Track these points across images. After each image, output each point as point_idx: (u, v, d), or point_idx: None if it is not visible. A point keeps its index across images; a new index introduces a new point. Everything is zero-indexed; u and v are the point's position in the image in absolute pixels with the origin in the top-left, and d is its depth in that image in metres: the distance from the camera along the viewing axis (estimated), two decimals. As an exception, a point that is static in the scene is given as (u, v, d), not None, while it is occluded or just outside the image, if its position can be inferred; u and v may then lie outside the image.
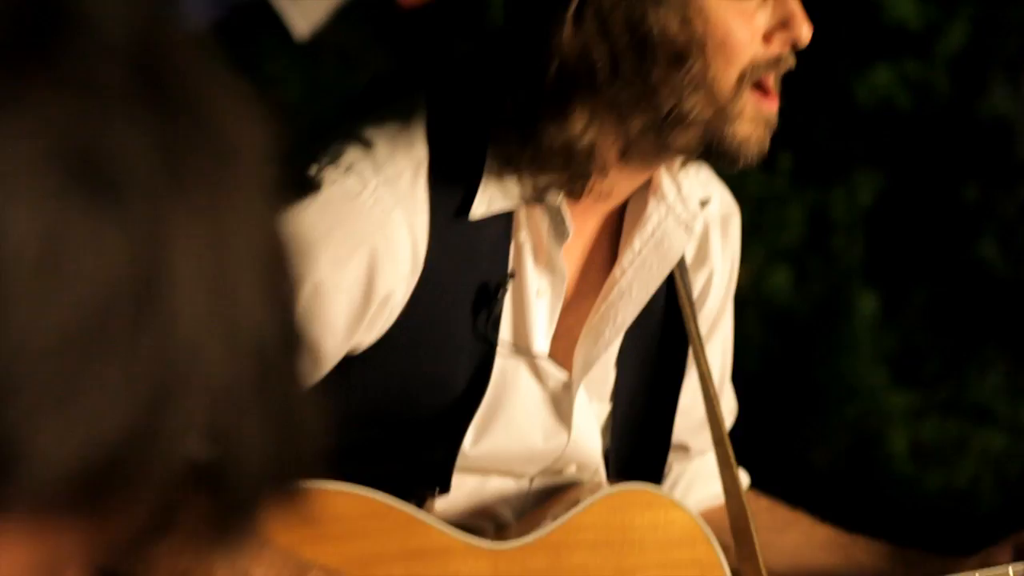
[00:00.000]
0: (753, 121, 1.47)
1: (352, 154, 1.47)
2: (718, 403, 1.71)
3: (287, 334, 0.57)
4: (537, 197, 1.51)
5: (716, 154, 1.52)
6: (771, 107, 1.51)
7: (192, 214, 0.53)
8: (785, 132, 1.58)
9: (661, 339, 1.71)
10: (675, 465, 1.78)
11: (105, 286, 0.50)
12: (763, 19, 1.45)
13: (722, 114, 1.46)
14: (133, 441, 0.52)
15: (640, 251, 1.60)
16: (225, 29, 3.96)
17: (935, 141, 5.00)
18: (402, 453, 1.56)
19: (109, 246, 0.50)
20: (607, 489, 1.65)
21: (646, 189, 1.61)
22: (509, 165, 1.48)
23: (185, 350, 0.51)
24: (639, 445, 1.71)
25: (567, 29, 1.41)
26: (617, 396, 1.70)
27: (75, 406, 0.50)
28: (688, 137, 1.47)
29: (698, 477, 1.80)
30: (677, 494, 1.75)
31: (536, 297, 1.56)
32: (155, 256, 0.51)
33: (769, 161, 5.35)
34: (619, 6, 1.40)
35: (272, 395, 0.56)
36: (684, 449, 1.80)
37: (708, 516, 1.70)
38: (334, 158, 1.45)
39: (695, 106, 1.45)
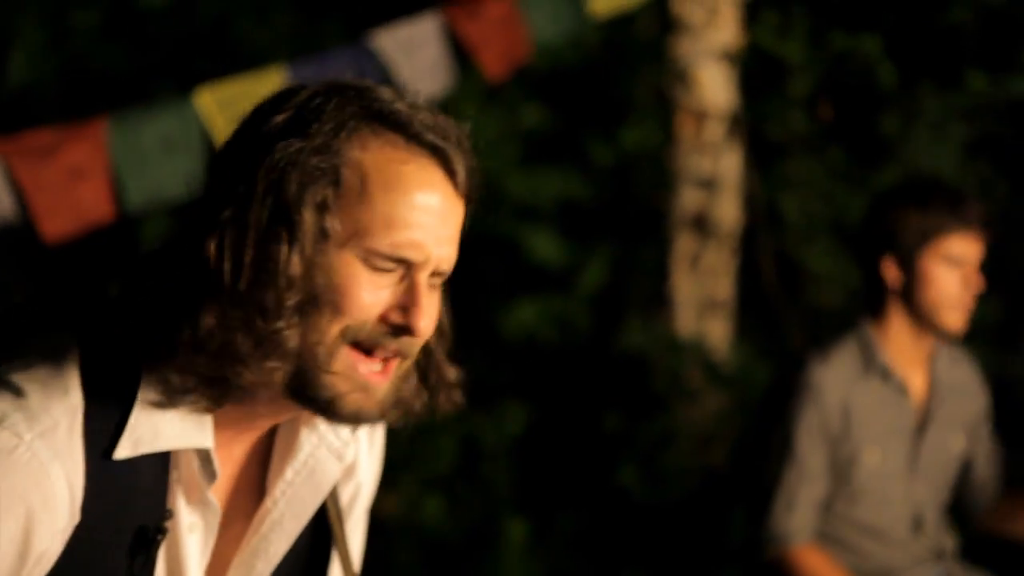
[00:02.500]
0: (349, 380, 1.48)
1: (3, 405, 1.41)
2: None
3: None
4: (186, 436, 1.49)
5: (313, 404, 1.49)
6: (373, 377, 1.50)
7: None
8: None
9: (308, 554, 1.69)
10: None
11: None
12: (388, 296, 1.46)
13: (313, 359, 1.47)
14: None
15: (292, 481, 1.59)
16: None
17: (578, 373, 5.23)
18: None
19: None
20: None
21: (297, 418, 1.60)
22: (163, 398, 1.47)
23: None
24: None
25: (212, 242, 1.44)
26: None
27: None
28: (280, 373, 1.47)
29: None
30: None
31: (189, 532, 1.53)
32: None
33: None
34: (253, 236, 1.44)
35: None
36: None
37: None
38: None
39: (289, 339, 1.46)
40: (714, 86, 5.12)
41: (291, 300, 1.44)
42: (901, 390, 3.07)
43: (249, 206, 1.44)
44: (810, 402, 3.00)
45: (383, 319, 1.47)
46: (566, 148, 5.36)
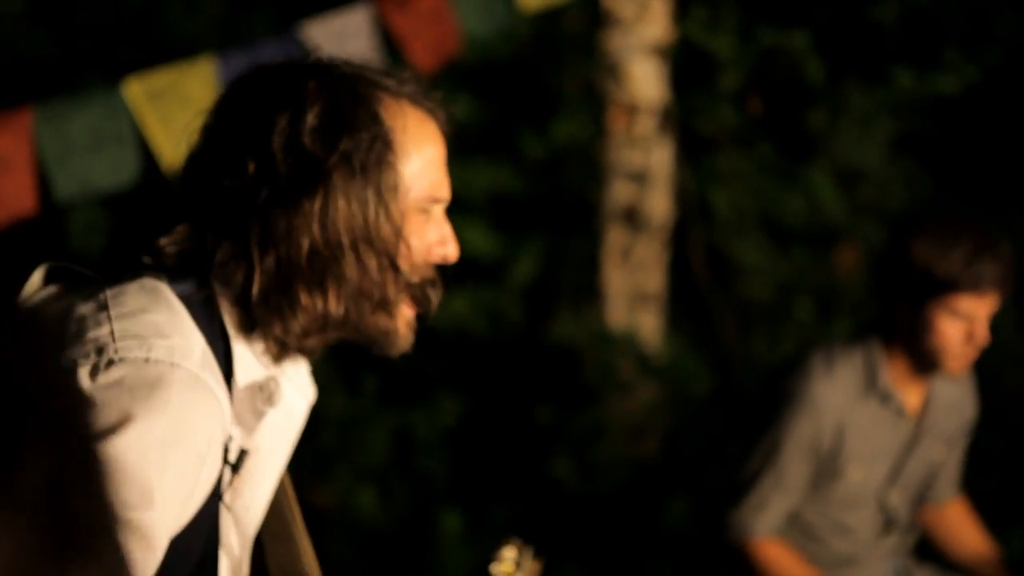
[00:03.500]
0: (407, 323, 1.68)
1: (159, 344, 1.55)
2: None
3: None
4: (278, 358, 1.67)
5: (378, 343, 1.68)
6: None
7: None
8: (368, 355, 1.68)
9: None
10: None
11: None
12: (428, 236, 1.66)
13: (395, 305, 1.66)
14: None
15: (271, 420, 1.72)
16: None
17: (510, 365, 5.24)
18: None
19: None
20: None
21: None
22: (246, 336, 1.63)
23: None
24: None
25: (316, 223, 1.60)
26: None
27: None
28: (393, 323, 1.67)
29: None
30: None
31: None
32: None
33: (354, 383, 5.44)
34: (349, 207, 1.61)
35: None
36: None
37: None
38: (144, 349, 1.54)
39: (393, 291, 1.64)
40: (645, 80, 5.15)
41: (389, 259, 1.62)
42: (899, 412, 3.08)
43: (330, 183, 1.61)
44: (807, 416, 3.00)
45: (427, 256, 1.67)
46: (497, 141, 5.38)
